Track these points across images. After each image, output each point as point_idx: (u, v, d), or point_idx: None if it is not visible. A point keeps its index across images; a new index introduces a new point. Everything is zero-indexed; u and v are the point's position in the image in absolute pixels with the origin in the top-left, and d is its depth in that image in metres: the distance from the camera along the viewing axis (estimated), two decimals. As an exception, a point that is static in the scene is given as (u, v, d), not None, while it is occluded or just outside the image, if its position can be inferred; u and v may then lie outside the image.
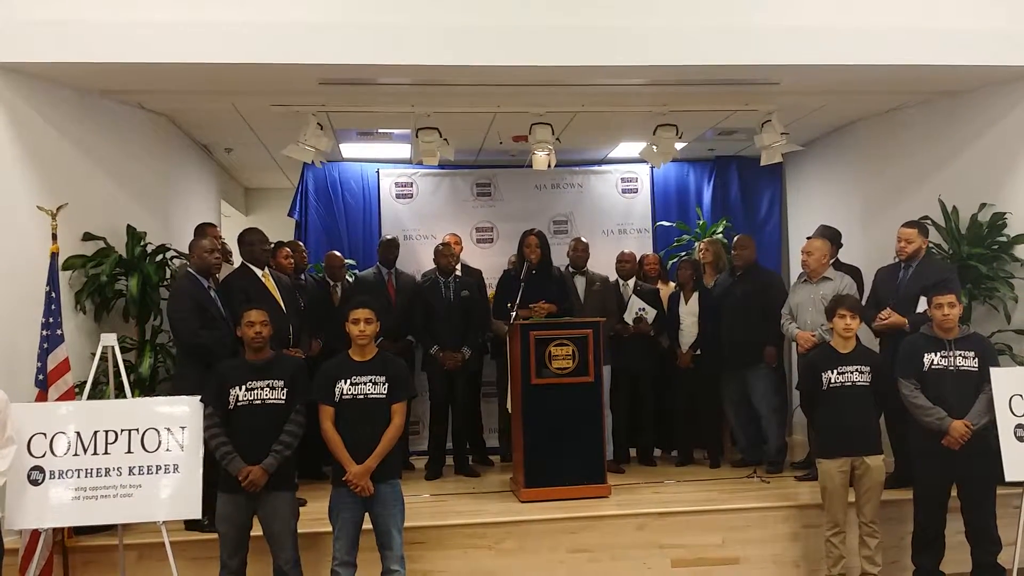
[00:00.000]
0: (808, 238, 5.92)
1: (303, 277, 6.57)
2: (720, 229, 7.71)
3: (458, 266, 6.70)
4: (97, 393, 4.82)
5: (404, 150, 7.72)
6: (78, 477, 4.23)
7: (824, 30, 5.39)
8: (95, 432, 4.29)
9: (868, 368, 4.66)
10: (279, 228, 8.05)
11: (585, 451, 5.47)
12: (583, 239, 6.75)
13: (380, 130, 7.17)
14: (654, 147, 6.61)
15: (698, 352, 6.43)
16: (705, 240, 7.18)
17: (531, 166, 6.62)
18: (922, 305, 5.16)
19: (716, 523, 5.09)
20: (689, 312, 6.49)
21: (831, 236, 5.99)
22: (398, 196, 8.16)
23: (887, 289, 5.48)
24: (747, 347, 6.15)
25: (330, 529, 4.22)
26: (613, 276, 6.75)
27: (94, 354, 4.71)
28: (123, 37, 4.94)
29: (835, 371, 4.66)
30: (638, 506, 5.22)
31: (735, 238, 6.59)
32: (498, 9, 5.28)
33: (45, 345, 4.64)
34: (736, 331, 6.19)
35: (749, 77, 5.72)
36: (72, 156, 5.47)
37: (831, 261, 5.83)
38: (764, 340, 6.12)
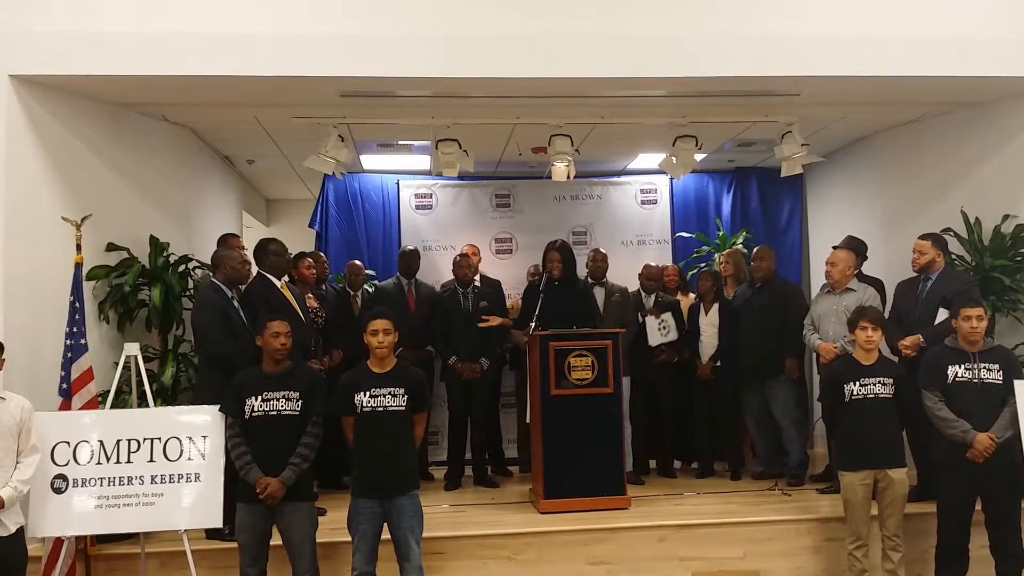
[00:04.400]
0: (834, 248, 5.88)
1: (324, 287, 6.60)
2: (740, 240, 7.69)
3: (477, 277, 6.70)
4: (120, 402, 4.86)
5: (424, 161, 7.74)
6: (101, 485, 4.28)
7: (845, 41, 5.38)
8: (118, 441, 4.34)
9: (891, 380, 4.63)
10: (300, 239, 8.10)
11: (605, 462, 5.46)
12: (602, 250, 6.75)
13: (400, 142, 7.21)
14: (674, 158, 6.61)
15: (718, 363, 6.40)
16: (725, 251, 7.17)
17: (550, 177, 6.63)
18: (941, 316, 5.12)
19: (737, 536, 5.06)
20: (709, 323, 6.46)
21: (856, 247, 5.95)
22: (418, 207, 8.18)
23: (907, 302, 5.45)
24: (767, 359, 6.12)
25: (349, 539, 4.23)
26: (632, 287, 6.74)
27: (117, 363, 4.76)
28: (147, 50, 5.00)
29: (857, 383, 4.63)
30: (658, 518, 5.20)
31: (755, 249, 6.56)
32: (517, 21, 5.30)
33: (69, 354, 4.68)
34: (756, 343, 6.16)
35: (769, 88, 5.71)
36: (96, 167, 5.53)
37: (855, 272, 5.79)
38: (785, 352, 6.09)
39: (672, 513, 5.36)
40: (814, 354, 5.89)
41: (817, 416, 6.36)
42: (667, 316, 6.46)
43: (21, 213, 4.96)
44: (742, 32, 5.37)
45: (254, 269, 5.52)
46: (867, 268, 6.12)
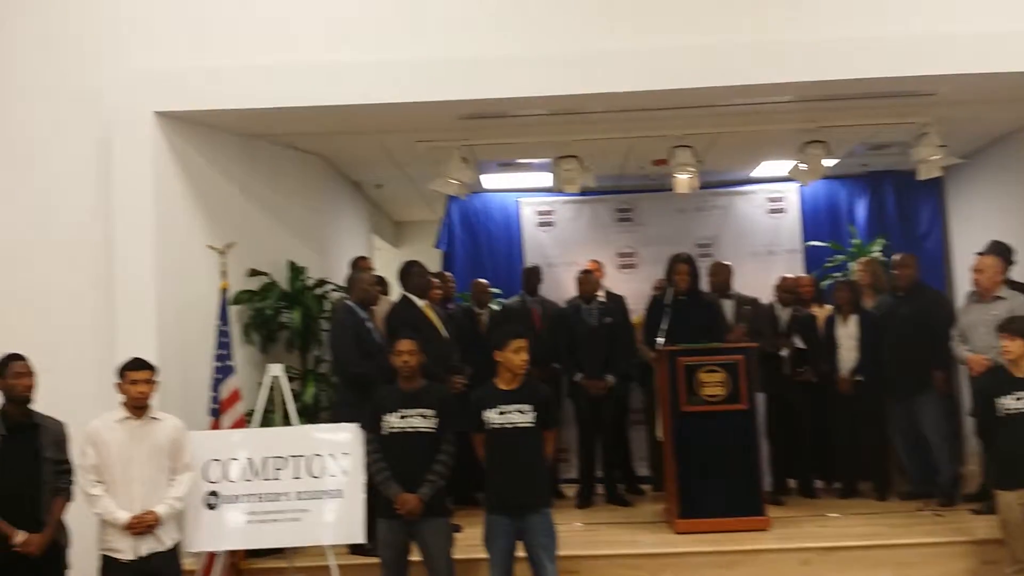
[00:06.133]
0: (978, 254, 5.57)
1: (451, 306, 6.71)
2: (877, 248, 7.39)
3: (601, 292, 6.67)
4: (266, 421, 5.03)
5: (545, 179, 7.76)
6: (250, 501, 4.45)
7: (978, 37, 5.13)
8: (265, 458, 4.51)
9: (1050, 393, 4.34)
10: (427, 259, 8.22)
11: (741, 482, 5.32)
12: (722, 261, 6.62)
13: (520, 160, 7.27)
14: (802, 165, 6.41)
15: (859, 378, 6.14)
16: (862, 260, 6.89)
17: (673, 189, 6.55)
18: None
19: (886, 559, 4.83)
20: (848, 335, 6.20)
21: (1002, 252, 5.61)
22: (540, 224, 8.24)
23: None
24: (914, 372, 5.81)
25: (486, 555, 4.23)
26: (763, 298, 6.57)
27: (261, 383, 4.96)
28: (280, 83, 5.24)
29: (1011, 396, 4.38)
30: (800, 540, 5.02)
31: (896, 257, 6.27)
32: (636, 34, 5.29)
33: (218, 376, 4.93)
34: (902, 355, 5.86)
35: (901, 89, 5.47)
36: (236, 197, 5.81)
37: (1004, 279, 5.47)
38: (932, 364, 5.78)
39: (815, 535, 5.16)
40: (964, 366, 5.58)
41: (969, 431, 6.01)
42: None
43: (170, 243, 5.26)
44: (870, 32, 5.20)
45: (396, 292, 5.67)
46: (1016, 274, 5.77)
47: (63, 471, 4.04)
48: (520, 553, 4.21)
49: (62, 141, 5.36)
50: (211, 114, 5.40)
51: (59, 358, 4.79)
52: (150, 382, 4.09)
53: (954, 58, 5.14)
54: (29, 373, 3.98)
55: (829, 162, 6.59)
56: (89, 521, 4.03)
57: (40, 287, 5.27)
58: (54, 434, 4.03)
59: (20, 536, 3.82)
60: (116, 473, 3.99)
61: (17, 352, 4.01)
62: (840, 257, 7.59)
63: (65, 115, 5.36)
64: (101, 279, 5.19)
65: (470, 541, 4.58)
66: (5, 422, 3.93)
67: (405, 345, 4.36)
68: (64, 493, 4.02)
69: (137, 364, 4.09)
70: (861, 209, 8.11)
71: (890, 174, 7.97)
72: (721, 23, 5.29)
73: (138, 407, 4.07)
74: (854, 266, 6.96)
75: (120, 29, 5.40)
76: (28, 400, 3.98)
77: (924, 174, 6.23)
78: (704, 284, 6.42)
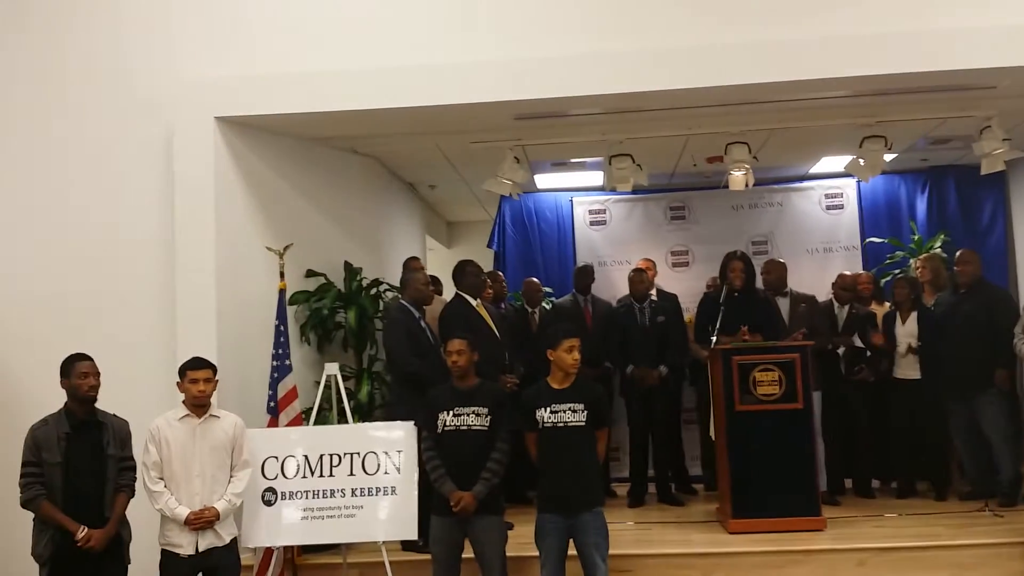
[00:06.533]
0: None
1: (503, 306, 6.75)
2: (937, 244, 7.22)
3: (653, 291, 6.64)
4: (321, 419, 5.11)
5: (597, 178, 7.78)
6: (306, 498, 4.53)
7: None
8: (321, 456, 4.58)
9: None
10: (479, 259, 8.25)
11: (796, 481, 5.24)
12: (777, 259, 6.53)
13: (573, 160, 7.28)
14: (861, 160, 6.30)
15: (916, 355, 6.00)
16: (922, 256, 6.75)
17: (727, 187, 6.48)
18: None
19: (944, 560, 4.74)
20: (906, 333, 6.07)
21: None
22: (592, 223, 8.24)
23: None
24: (975, 370, 5.68)
25: (536, 553, 4.25)
26: (820, 296, 6.46)
27: (318, 382, 5.05)
28: (338, 87, 5.32)
29: (1079, 396, 4.24)
30: (857, 540, 4.94)
31: (957, 253, 6.12)
32: (691, 30, 5.27)
33: (275, 375, 5.03)
34: (963, 353, 5.73)
35: (963, 82, 5.34)
36: (294, 199, 5.92)
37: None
38: (994, 362, 5.65)
39: (872, 535, 5.08)
40: (1026, 364, 5.45)
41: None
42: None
43: (230, 245, 5.38)
44: (929, 25, 5.11)
45: (449, 292, 5.72)
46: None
47: (126, 468, 4.15)
48: (572, 551, 4.22)
49: (126, 146, 5.53)
50: (269, 118, 5.51)
51: (122, 358, 4.93)
52: (210, 381, 4.18)
53: (1015, 51, 5.01)
54: (94, 373, 4.09)
55: (889, 157, 6.46)
56: (150, 516, 4.14)
57: (104, 289, 5.44)
58: (118, 431, 4.14)
59: (83, 531, 3.94)
60: (177, 470, 4.10)
61: (82, 352, 4.13)
62: (900, 253, 7.45)
63: (129, 120, 5.52)
64: (163, 280, 5.33)
65: (522, 539, 4.59)
66: (70, 420, 4.05)
67: (455, 345, 4.40)
68: (127, 489, 4.13)
69: (197, 363, 4.19)
70: (921, 204, 7.95)
71: (951, 168, 7.81)
72: (779, 18, 5.24)
73: (198, 405, 4.16)
74: (914, 263, 6.81)
75: (182, 38, 5.55)
76: (93, 399, 4.09)
77: (987, 168, 6.07)
78: (758, 282, 6.36)
